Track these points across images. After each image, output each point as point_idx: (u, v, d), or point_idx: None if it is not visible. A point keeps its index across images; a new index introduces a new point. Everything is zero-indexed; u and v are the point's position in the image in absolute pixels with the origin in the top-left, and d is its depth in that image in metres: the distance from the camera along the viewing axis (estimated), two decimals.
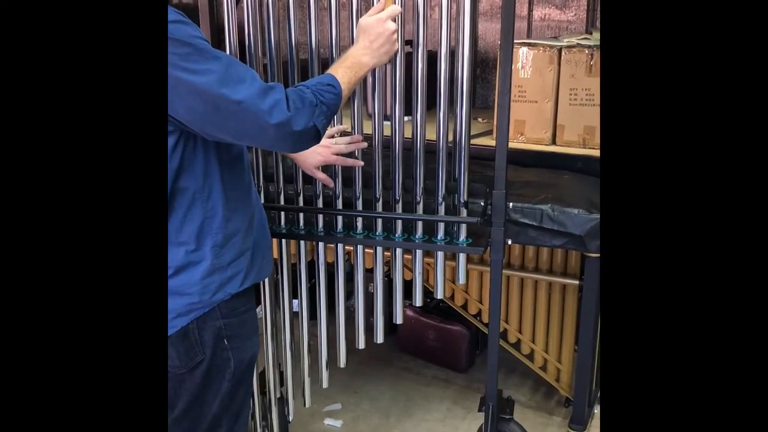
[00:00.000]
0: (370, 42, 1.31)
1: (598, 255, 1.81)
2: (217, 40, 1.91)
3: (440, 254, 1.70)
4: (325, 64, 1.60)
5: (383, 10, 1.34)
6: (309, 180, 1.73)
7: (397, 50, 1.41)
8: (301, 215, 1.75)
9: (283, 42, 1.63)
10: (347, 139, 1.60)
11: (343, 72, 1.26)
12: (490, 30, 2.95)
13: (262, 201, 1.62)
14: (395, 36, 1.34)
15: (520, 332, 2.16)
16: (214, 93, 1.06)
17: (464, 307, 2.21)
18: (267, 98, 1.10)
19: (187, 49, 1.06)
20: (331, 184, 1.64)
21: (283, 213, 1.74)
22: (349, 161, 1.60)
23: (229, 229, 1.23)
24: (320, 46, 1.61)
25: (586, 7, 2.74)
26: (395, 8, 1.36)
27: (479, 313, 2.20)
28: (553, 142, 2.13)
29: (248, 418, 1.44)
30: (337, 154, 1.58)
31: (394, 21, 1.36)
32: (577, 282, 2.02)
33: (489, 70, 2.93)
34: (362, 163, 1.62)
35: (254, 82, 1.11)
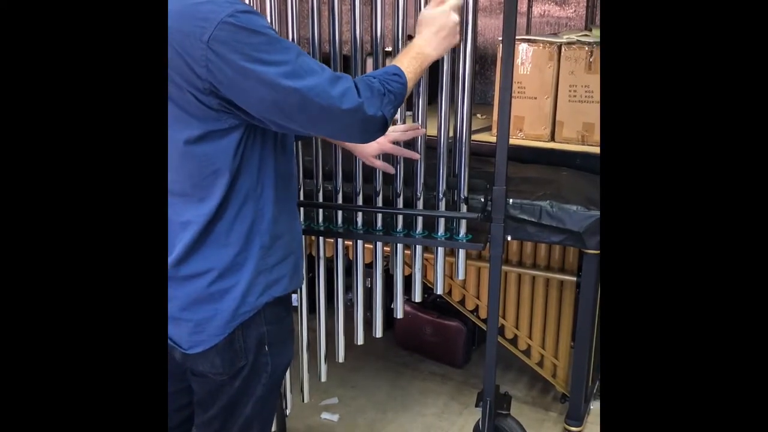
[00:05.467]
0: (434, 33, 1.27)
1: (596, 252, 1.82)
2: None
3: (440, 250, 1.70)
4: (326, 58, 1.60)
5: (443, 2, 1.29)
6: (309, 174, 1.73)
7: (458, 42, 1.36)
8: (302, 209, 1.74)
9: (283, 36, 1.62)
10: (404, 126, 1.57)
11: (408, 62, 1.23)
12: (489, 26, 2.95)
13: None
14: (458, 28, 1.30)
15: (517, 328, 2.16)
16: (286, 83, 1.05)
17: (461, 302, 2.21)
18: (337, 85, 1.09)
19: (260, 38, 1.04)
20: (392, 171, 1.61)
21: None
22: (406, 152, 1.57)
23: (277, 230, 1.20)
24: (321, 41, 1.61)
25: (585, 4, 2.74)
26: (458, 0, 1.31)
27: (476, 309, 2.20)
28: (552, 139, 2.13)
29: (274, 417, 1.42)
30: (394, 143, 1.55)
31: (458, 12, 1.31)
32: (574, 278, 2.02)
33: (488, 66, 2.93)
34: (418, 155, 1.59)
35: (324, 71, 1.10)
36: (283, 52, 1.06)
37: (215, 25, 1.01)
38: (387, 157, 1.60)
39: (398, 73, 1.19)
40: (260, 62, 1.04)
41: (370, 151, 1.54)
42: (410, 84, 1.21)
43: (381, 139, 1.49)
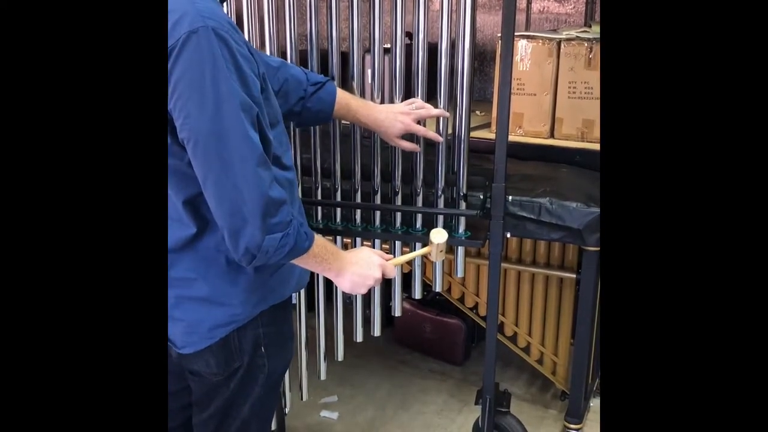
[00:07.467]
0: (350, 268, 1.22)
1: (596, 249, 1.81)
2: None
3: None
4: (324, 55, 1.60)
5: (385, 260, 1.26)
6: (307, 172, 1.72)
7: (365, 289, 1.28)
8: None
9: (281, 32, 1.62)
10: (428, 106, 1.52)
11: (325, 250, 1.17)
12: (488, 23, 2.94)
13: None
14: (370, 285, 1.24)
15: (516, 325, 2.16)
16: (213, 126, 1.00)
17: (461, 300, 2.21)
18: (267, 171, 1.04)
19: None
20: (418, 150, 1.57)
21: None
22: (431, 134, 1.53)
23: None
24: (320, 38, 1.60)
25: (584, 0, 2.73)
26: (393, 273, 1.28)
27: (476, 306, 2.20)
28: (552, 136, 2.12)
29: (272, 418, 1.39)
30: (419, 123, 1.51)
31: (384, 275, 1.26)
32: (574, 275, 2.02)
33: (487, 63, 2.92)
34: (440, 138, 1.56)
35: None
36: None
37: None
38: (386, 146, 1.57)
39: (309, 240, 1.12)
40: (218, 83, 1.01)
41: (394, 131, 1.48)
42: (308, 255, 1.13)
43: (405, 119, 1.47)
